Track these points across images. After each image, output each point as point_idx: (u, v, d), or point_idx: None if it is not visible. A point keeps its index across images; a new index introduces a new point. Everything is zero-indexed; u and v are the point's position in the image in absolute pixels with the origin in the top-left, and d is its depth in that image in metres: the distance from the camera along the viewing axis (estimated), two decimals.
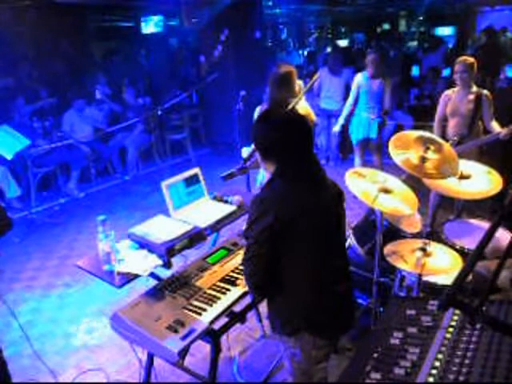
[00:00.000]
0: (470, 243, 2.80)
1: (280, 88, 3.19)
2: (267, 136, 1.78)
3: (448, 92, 4.11)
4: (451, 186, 2.71)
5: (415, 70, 8.59)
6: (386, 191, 2.62)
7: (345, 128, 5.39)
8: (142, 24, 10.58)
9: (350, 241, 3.22)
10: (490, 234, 1.16)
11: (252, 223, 1.73)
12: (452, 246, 2.73)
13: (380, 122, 5.09)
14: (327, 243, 1.81)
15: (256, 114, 3.31)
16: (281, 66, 3.27)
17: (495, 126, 3.88)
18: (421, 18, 12.92)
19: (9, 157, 4.65)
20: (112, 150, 6.48)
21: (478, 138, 3.98)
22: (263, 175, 3.50)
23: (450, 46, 10.77)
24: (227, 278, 2.19)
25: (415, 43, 13.08)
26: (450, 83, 5.10)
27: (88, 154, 6.09)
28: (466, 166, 2.80)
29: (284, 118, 1.85)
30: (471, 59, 3.89)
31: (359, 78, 5.08)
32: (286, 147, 1.74)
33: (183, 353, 1.74)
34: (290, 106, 3.10)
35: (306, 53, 11.72)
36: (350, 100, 5.19)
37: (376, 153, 5.25)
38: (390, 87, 5.05)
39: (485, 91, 3.94)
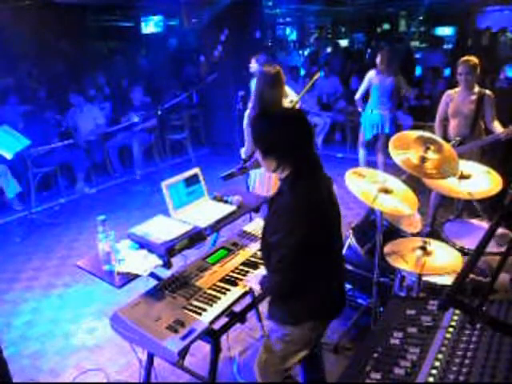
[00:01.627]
0: (470, 243, 2.80)
1: (273, 88, 3.03)
2: (271, 132, 1.77)
3: (450, 92, 4.06)
4: (451, 186, 2.71)
5: (417, 70, 8.58)
6: (386, 191, 2.63)
7: None
8: (142, 24, 10.59)
9: (350, 241, 3.22)
10: (489, 234, 1.16)
11: (287, 234, 1.71)
12: (452, 246, 2.72)
13: (392, 118, 5.22)
14: (333, 237, 1.86)
15: (245, 119, 3.21)
16: (268, 65, 3.10)
17: (497, 127, 3.85)
18: (421, 18, 12.91)
19: (9, 156, 4.64)
20: (111, 151, 6.47)
21: (480, 138, 3.96)
22: (254, 179, 3.47)
23: (450, 46, 10.75)
24: (227, 277, 2.19)
25: (415, 43, 13.06)
26: (451, 83, 5.10)
27: (86, 154, 6.09)
28: (465, 166, 2.80)
29: (287, 113, 1.93)
30: (475, 60, 3.83)
31: (371, 75, 5.20)
32: (291, 142, 1.75)
33: (183, 353, 1.74)
34: (291, 105, 3.08)
35: (306, 53, 11.71)
36: (358, 95, 5.34)
37: (382, 150, 5.28)
38: (402, 83, 5.26)
39: (487, 91, 3.90)
